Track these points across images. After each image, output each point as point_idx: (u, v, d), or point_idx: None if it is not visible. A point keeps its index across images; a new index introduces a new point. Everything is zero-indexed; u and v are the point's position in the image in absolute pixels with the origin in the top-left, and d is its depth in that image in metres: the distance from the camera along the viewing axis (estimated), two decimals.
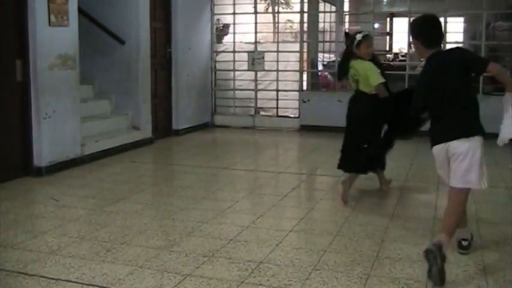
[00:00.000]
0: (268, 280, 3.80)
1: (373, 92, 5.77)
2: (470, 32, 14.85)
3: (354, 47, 5.87)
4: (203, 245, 4.48)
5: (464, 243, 4.33)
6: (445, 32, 10.31)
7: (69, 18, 7.18)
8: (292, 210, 5.70)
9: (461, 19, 16.29)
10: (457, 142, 3.98)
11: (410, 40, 5.29)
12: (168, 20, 10.10)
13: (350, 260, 4.17)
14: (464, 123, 4.08)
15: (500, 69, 4.26)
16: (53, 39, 6.95)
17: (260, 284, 3.74)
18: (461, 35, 15.36)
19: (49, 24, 6.87)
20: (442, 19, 10.35)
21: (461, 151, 3.96)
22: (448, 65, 4.05)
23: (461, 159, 3.96)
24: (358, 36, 5.90)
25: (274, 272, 3.92)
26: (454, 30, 13.86)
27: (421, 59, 4.90)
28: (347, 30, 7.04)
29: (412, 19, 5.14)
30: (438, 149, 4.11)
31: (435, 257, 3.68)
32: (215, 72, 11.71)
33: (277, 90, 11.29)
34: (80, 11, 7.64)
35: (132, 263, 4.11)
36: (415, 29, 4.28)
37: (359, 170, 6.01)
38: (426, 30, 4.20)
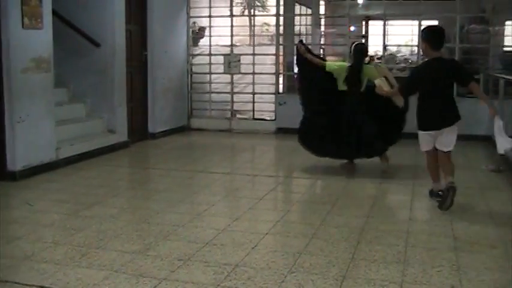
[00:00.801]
0: (244, 283, 3.79)
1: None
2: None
3: None
4: (179, 248, 4.47)
5: (440, 192, 5.78)
6: (420, 35, 10.42)
7: (43, 20, 7.12)
8: (268, 212, 5.71)
9: (436, 22, 16.47)
10: (449, 127, 5.66)
11: (421, 42, 5.94)
12: (144, 23, 10.06)
13: (325, 262, 4.19)
14: (454, 113, 5.72)
15: (478, 89, 6.13)
16: (26, 42, 6.88)
17: (236, 287, 3.73)
18: None
19: (22, 27, 6.79)
20: (416, 22, 10.53)
21: (450, 130, 5.66)
22: (446, 70, 5.63)
23: (449, 135, 5.68)
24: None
25: (250, 275, 3.92)
26: None
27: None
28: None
29: (426, 27, 6.14)
30: (433, 131, 5.70)
31: (454, 192, 5.44)
32: (191, 75, 11.68)
33: (254, 93, 11.29)
34: (55, 13, 7.58)
35: (108, 267, 4.08)
36: (428, 35, 5.72)
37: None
38: (435, 37, 5.68)
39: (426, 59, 5.91)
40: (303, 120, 7.77)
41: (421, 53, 6.81)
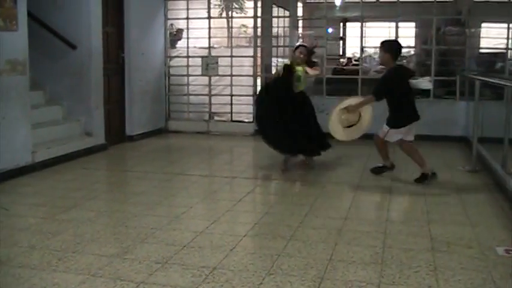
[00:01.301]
0: (222, 286, 3.79)
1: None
2: (421, 36, 15.13)
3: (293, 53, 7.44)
4: (157, 251, 4.45)
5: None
6: (397, 37, 10.50)
7: (18, 22, 7.04)
8: (247, 215, 5.70)
9: (413, 24, 16.60)
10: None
11: (383, 53, 6.84)
12: (121, 25, 10.00)
13: (304, 263, 4.19)
14: (416, 110, 6.84)
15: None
16: (1, 44, 6.80)
17: None
18: (413, 39, 15.64)
19: None
20: (393, 24, 10.60)
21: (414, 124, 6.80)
22: (408, 75, 7.22)
23: (413, 128, 6.83)
24: (296, 45, 7.25)
25: (228, 278, 3.92)
26: (406, 35, 14.10)
27: (381, 66, 7.61)
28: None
29: (391, 41, 7.38)
30: (411, 124, 6.78)
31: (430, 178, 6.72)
32: (169, 78, 11.64)
33: (232, 95, 11.28)
34: (30, 15, 7.51)
35: (85, 271, 4.04)
36: (393, 47, 6.81)
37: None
38: (398, 49, 6.82)
39: (394, 66, 6.78)
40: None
41: (379, 61, 7.44)
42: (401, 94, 6.73)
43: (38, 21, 8.31)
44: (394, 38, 8.46)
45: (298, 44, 8.29)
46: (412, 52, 14.35)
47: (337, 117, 6.95)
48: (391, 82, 6.75)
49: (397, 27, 10.50)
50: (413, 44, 14.71)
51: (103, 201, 6.30)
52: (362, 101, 6.96)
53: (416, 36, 16.07)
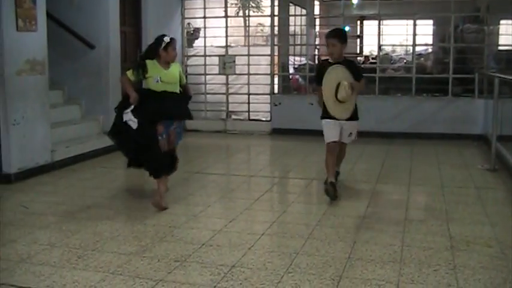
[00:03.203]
0: (240, 284, 3.79)
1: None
2: (439, 34, 15.03)
3: (161, 50, 5.79)
4: (175, 249, 4.46)
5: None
6: (415, 35, 10.45)
7: (38, 23, 7.10)
8: (264, 213, 5.70)
9: (431, 22, 16.50)
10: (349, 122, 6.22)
11: (341, 45, 6.10)
12: (138, 24, 10.05)
13: (322, 262, 4.19)
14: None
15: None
16: (21, 44, 6.87)
17: None
18: (431, 37, 15.54)
19: (17, 29, 6.78)
20: (411, 22, 10.54)
21: (349, 126, 6.24)
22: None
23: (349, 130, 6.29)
24: (166, 39, 5.86)
25: (247, 276, 3.92)
26: (423, 33, 14.01)
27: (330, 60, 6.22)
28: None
29: (342, 30, 6.65)
30: (333, 121, 6.13)
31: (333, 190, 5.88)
32: (186, 77, 11.63)
33: (249, 94, 11.29)
34: (49, 15, 7.56)
35: (104, 269, 4.07)
36: (346, 37, 6.18)
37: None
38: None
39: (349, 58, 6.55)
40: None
41: (332, 53, 6.15)
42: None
43: (56, 22, 8.38)
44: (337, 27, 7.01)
45: (167, 37, 5.91)
46: (430, 50, 14.28)
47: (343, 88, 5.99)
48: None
49: (414, 24, 10.46)
50: (430, 42, 14.59)
51: (121, 200, 6.34)
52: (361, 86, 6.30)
53: (434, 34, 15.96)
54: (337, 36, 6.14)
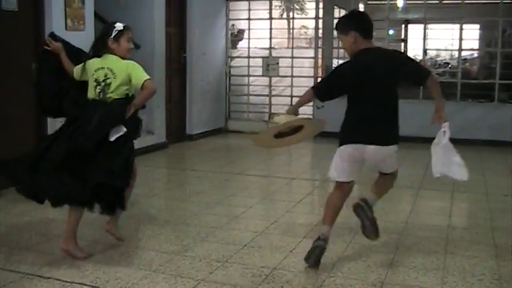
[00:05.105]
0: (282, 286, 3.79)
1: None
2: (485, 39, 14.81)
3: (111, 40, 4.53)
4: (217, 250, 4.48)
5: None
6: (461, 39, 10.30)
7: (85, 22, 7.23)
8: (306, 216, 5.69)
9: (477, 26, 16.26)
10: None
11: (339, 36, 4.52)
12: (183, 26, 10.14)
13: (364, 267, 4.16)
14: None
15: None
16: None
17: None
18: (477, 42, 15.33)
19: (65, 29, 6.91)
20: (457, 26, 10.40)
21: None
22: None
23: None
24: (119, 26, 4.57)
25: (288, 279, 3.92)
26: (469, 37, 13.83)
27: None
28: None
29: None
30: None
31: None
32: (229, 78, 11.73)
33: (292, 96, 11.27)
34: (96, 15, 7.68)
35: (146, 267, 4.11)
36: (344, 25, 4.42)
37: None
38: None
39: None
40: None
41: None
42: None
43: (103, 21, 8.47)
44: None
45: (119, 24, 4.62)
46: (476, 55, 14.07)
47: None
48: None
49: (461, 29, 10.31)
50: (477, 47, 14.40)
51: (163, 199, 6.40)
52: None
53: (480, 38, 15.73)
54: (336, 27, 4.55)
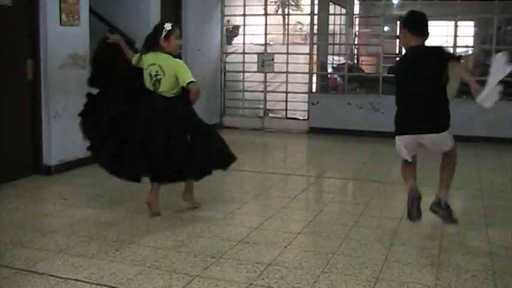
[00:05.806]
0: (276, 282, 3.79)
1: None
2: (480, 36, 14.82)
3: (162, 39, 5.08)
4: (212, 246, 4.48)
5: None
6: (456, 36, 10.31)
7: (80, 17, 7.21)
8: (301, 212, 5.70)
9: (472, 23, 16.28)
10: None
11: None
12: (178, 21, 10.09)
13: (359, 263, 4.17)
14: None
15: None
16: (63, 38, 6.97)
17: (269, 286, 3.73)
18: (472, 39, 15.35)
19: (60, 24, 6.89)
20: (452, 23, 10.41)
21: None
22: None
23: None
24: (167, 26, 5.13)
25: (283, 274, 3.92)
26: (464, 34, 13.84)
27: None
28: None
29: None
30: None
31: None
32: (224, 74, 11.71)
33: (287, 92, 11.28)
34: (91, 10, 7.66)
35: (141, 263, 4.11)
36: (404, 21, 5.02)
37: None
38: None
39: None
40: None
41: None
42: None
43: (98, 17, 8.46)
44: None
45: (168, 25, 5.22)
46: (470, 52, 14.08)
47: None
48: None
49: (455, 26, 10.32)
50: (471, 44, 14.41)
51: (160, 194, 6.36)
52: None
53: (475, 35, 15.75)
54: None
